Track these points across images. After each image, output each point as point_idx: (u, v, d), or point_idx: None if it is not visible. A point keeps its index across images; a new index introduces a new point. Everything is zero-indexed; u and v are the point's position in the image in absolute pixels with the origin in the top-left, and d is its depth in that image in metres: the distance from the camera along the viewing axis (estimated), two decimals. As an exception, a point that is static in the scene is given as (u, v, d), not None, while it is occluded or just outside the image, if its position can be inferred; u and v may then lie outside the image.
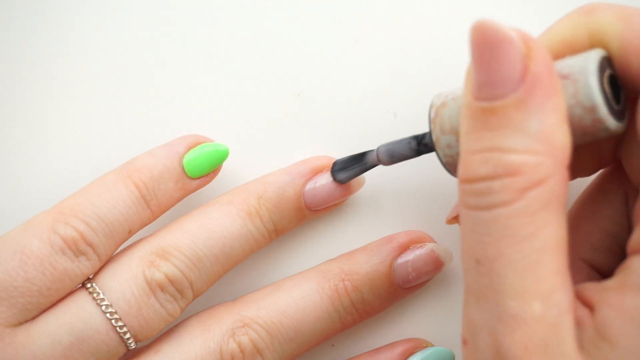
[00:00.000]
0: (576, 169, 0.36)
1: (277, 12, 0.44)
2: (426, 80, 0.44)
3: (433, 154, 0.37)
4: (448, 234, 0.43)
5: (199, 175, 0.42)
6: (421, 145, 0.38)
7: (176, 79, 0.44)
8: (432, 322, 0.44)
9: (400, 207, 0.44)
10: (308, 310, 0.41)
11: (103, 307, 0.39)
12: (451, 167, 0.36)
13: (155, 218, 0.41)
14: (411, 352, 0.42)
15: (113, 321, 0.39)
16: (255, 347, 0.40)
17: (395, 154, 0.39)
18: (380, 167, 0.41)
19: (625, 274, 0.32)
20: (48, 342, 0.38)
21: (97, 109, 0.45)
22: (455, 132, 0.35)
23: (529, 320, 0.30)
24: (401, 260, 0.42)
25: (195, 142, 0.42)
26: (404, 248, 0.42)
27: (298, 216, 0.42)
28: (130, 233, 0.40)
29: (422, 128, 0.44)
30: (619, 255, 0.37)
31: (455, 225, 0.41)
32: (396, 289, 0.42)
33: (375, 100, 0.44)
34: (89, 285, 0.39)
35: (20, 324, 0.38)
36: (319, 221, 0.44)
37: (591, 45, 0.33)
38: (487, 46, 0.30)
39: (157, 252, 0.40)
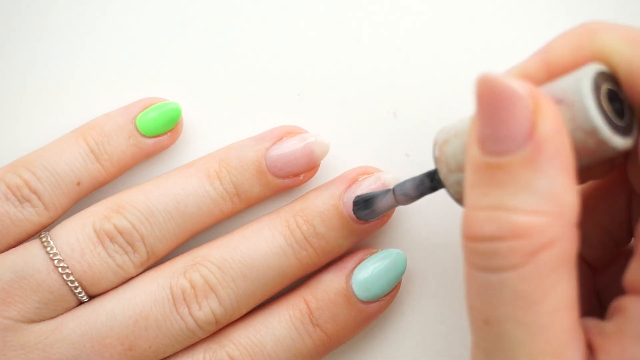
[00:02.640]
0: (587, 173, 0.35)
1: (277, 12, 0.44)
2: (426, 80, 0.44)
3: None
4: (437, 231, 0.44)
5: (153, 134, 0.42)
6: (434, 181, 0.37)
7: (176, 79, 0.44)
8: (432, 322, 0.44)
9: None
10: (259, 244, 0.41)
11: (47, 249, 0.40)
12: (463, 202, 0.34)
13: (108, 174, 0.42)
14: (362, 260, 0.42)
15: (56, 261, 0.40)
16: (207, 283, 0.40)
17: (409, 194, 0.38)
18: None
19: (623, 319, 0.31)
20: None
21: (97, 109, 0.45)
22: (462, 169, 0.33)
23: None
24: (350, 190, 0.41)
25: (150, 103, 0.43)
26: (353, 180, 0.42)
27: (261, 180, 0.42)
28: (80, 185, 0.41)
29: (421, 128, 0.44)
30: (611, 251, 0.36)
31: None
32: (350, 223, 0.41)
33: (375, 100, 0.44)
34: (42, 235, 0.40)
35: None
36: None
37: None
38: (493, 101, 0.29)
39: (112, 207, 0.41)
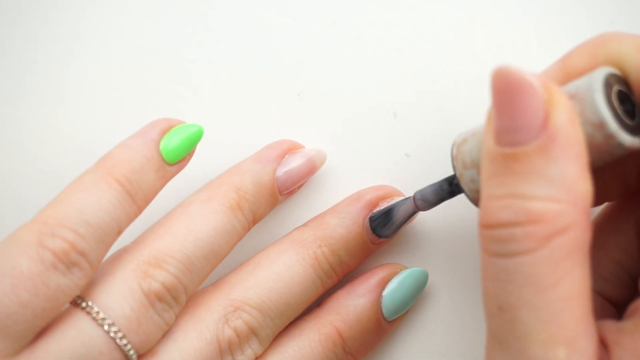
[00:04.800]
0: (602, 193, 0.36)
1: (277, 12, 0.44)
2: (426, 80, 0.44)
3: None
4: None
5: (177, 161, 0.40)
6: (452, 185, 0.38)
7: (176, 80, 0.44)
8: (432, 321, 0.44)
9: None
10: (294, 283, 0.41)
11: (105, 327, 0.37)
12: (477, 201, 0.35)
13: (141, 212, 0.39)
14: (387, 280, 0.42)
15: (117, 340, 0.37)
16: (249, 329, 0.40)
17: (429, 199, 0.39)
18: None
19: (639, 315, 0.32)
20: None
21: (97, 111, 0.45)
22: (476, 166, 0.35)
23: None
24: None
25: (168, 127, 0.40)
26: (374, 205, 0.42)
27: (273, 202, 0.42)
28: (120, 233, 0.38)
29: (421, 128, 0.44)
30: (630, 285, 0.37)
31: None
32: (369, 246, 0.42)
33: (375, 100, 0.44)
34: (84, 304, 0.37)
35: (17, 352, 0.36)
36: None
37: None
38: (508, 92, 0.30)
39: (149, 261, 0.38)
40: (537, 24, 0.43)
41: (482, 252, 0.31)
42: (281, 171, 0.42)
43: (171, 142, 0.40)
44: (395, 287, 0.42)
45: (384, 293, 0.42)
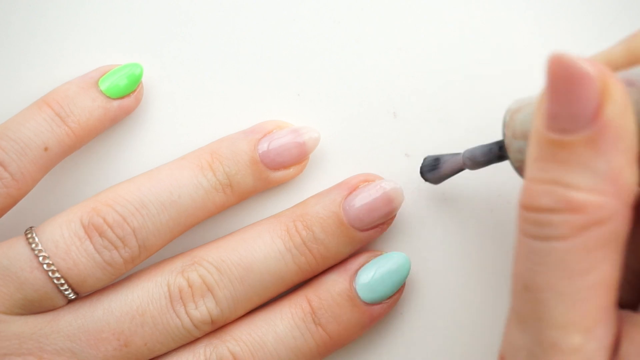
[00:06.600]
0: None
1: (278, 12, 0.44)
2: (426, 80, 0.44)
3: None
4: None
5: (118, 96, 0.42)
6: (502, 150, 0.37)
7: (175, 80, 0.44)
8: (432, 320, 0.44)
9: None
10: (258, 248, 0.41)
11: (32, 247, 0.39)
12: (522, 171, 0.35)
13: (77, 137, 0.41)
14: (365, 263, 0.42)
15: (41, 258, 0.39)
16: (204, 283, 0.40)
17: (477, 159, 0.39)
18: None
19: None
20: None
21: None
22: (526, 137, 0.34)
23: (567, 351, 0.31)
24: (350, 198, 0.41)
25: (109, 68, 0.43)
26: (354, 188, 0.42)
27: (254, 171, 0.42)
28: (47, 150, 0.40)
29: (421, 128, 0.44)
30: None
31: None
32: (350, 230, 0.41)
33: (375, 100, 0.44)
34: (28, 232, 0.39)
35: None
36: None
37: None
38: (563, 79, 0.30)
39: (102, 200, 0.40)
40: (537, 24, 0.43)
41: (518, 232, 0.32)
42: (264, 141, 0.42)
43: (109, 77, 0.42)
44: (370, 265, 0.42)
45: (359, 271, 0.41)
